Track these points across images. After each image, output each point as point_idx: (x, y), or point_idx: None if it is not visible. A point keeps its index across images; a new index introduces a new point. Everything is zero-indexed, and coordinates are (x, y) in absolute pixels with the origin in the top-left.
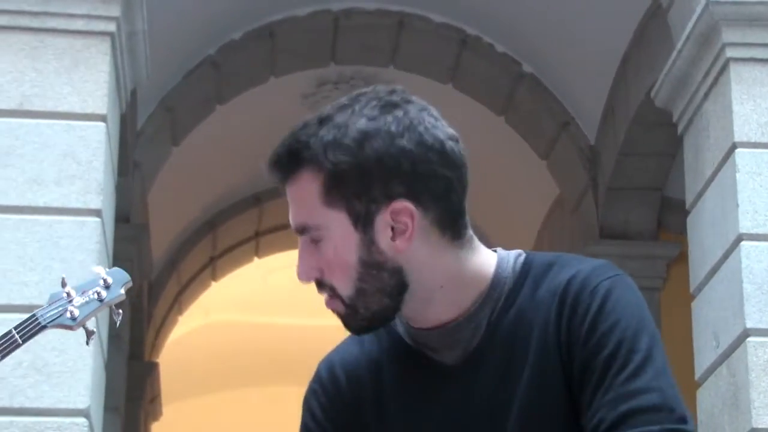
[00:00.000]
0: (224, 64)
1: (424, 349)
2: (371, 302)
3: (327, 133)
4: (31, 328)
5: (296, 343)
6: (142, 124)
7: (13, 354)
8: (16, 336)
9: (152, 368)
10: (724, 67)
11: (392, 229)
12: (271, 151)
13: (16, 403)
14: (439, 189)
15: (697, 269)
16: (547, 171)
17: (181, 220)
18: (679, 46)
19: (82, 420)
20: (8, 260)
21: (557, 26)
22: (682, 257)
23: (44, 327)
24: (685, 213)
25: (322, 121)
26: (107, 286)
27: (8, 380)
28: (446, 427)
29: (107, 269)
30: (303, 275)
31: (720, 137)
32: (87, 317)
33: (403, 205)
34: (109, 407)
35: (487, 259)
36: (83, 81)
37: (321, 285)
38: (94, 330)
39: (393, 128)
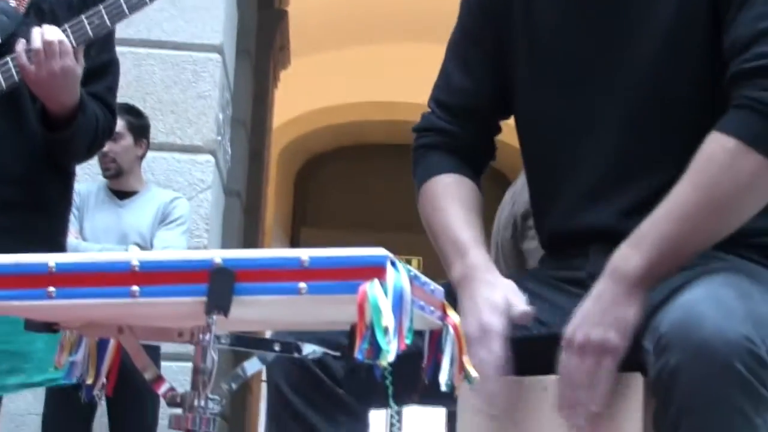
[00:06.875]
0: None
1: None
2: None
3: None
4: None
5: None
6: None
7: None
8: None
9: (282, 16)
10: None
11: None
12: None
13: (154, 36)
14: None
15: None
16: None
17: None
18: None
19: (216, 56)
20: None
21: None
22: None
23: None
24: None
25: None
26: None
27: (145, 12)
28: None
29: None
30: None
31: None
32: None
33: None
34: (240, 49)
35: None
36: None
37: None
38: None
39: None
